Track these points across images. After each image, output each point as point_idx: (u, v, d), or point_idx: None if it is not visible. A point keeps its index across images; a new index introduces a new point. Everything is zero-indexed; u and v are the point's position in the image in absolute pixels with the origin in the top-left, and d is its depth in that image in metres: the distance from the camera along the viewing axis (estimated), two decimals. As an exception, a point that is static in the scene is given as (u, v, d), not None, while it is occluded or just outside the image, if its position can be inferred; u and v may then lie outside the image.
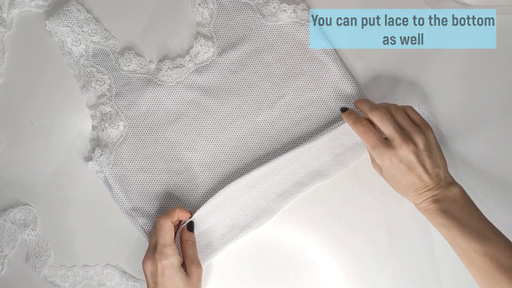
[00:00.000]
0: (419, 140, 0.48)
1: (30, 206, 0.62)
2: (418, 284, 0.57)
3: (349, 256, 0.58)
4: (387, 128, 0.48)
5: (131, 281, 0.60)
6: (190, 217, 0.55)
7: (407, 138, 0.48)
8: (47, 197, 0.62)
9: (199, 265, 0.54)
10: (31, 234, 0.61)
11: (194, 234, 0.56)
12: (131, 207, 0.59)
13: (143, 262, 0.52)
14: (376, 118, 0.49)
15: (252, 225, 0.58)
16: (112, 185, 0.60)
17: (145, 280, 0.60)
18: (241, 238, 0.58)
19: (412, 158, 0.47)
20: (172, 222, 0.53)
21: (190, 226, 0.55)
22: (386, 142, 0.49)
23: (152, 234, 0.54)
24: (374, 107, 0.50)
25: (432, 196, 0.48)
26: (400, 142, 0.47)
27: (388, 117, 0.49)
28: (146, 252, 0.53)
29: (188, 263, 0.53)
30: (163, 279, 0.50)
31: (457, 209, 0.47)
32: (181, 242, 0.55)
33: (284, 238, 0.59)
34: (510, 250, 0.44)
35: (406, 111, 0.51)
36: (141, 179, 0.59)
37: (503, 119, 0.57)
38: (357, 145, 0.57)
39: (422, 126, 0.50)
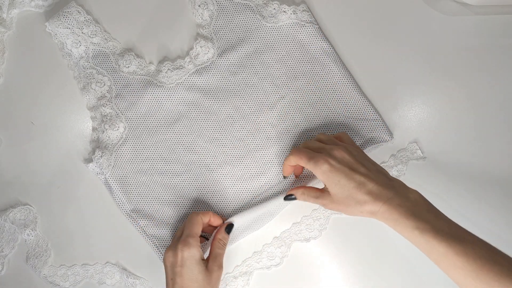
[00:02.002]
0: (345, 147, 0.49)
1: (30, 206, 0.62)
2: (417, 284, 0.57)
3: (349, 256, 0.58)
4: (312, 147, 0.51)
5: (131, 278, 0.60)
6: (225, 222, 0.56)
7: (334, 147, 0.50)
8: (47, 197, 0.62)
9: (221, 267, 0.53)
10: (31, 234, 0.61)
11: (228, 236, 0.55)
12: (132, 208, 0.60)
13: (165, 253, 0.52)
14: (294, 156, 0.51)
15: (253, 227, 0.58)
16: (113, 187, 0.60)
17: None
18: (242, 238, 0.58)
19: (346, 156, 0.48)
20: (203, 220, 0.54)
21: (229, 228, 0.55)
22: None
23: (179, 228, 0.55)
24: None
25: (390, 200, 0.45)
26: (329, 147, 0.49)
27: (303, 146, 0.52)
28: (170, 244, 0.53)
29: (212, 260, 0.52)
30: (182, 270, 0.49)
31: (424, 211, 0.44)
32: (213, 239, 0.54)
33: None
34: (486, 246, 0.42)
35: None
36: (142, 180, 0.59)
37: (503, 119, 0.57)
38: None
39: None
